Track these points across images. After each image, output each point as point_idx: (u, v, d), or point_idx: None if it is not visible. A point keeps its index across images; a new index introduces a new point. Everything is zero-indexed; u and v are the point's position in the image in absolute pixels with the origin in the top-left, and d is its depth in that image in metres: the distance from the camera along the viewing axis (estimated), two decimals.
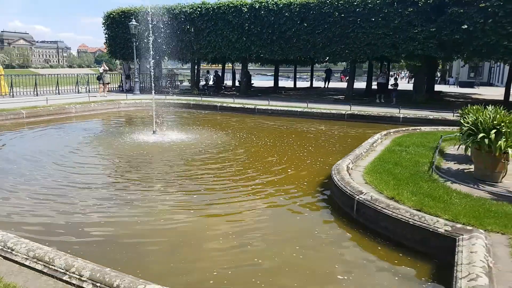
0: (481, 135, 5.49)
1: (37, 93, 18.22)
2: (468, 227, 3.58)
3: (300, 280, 3.36)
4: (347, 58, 18.19)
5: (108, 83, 19.00)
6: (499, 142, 5.30)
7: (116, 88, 23.18)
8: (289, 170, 6.90)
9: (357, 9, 16.18)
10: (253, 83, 30.96)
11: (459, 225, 3.62)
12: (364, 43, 16.62)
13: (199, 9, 19.79)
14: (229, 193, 5.66)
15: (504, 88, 18.36)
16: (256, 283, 3.25)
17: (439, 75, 50.99)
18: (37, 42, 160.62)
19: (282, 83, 33.90)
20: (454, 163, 6.67)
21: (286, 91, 26.35)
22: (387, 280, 3.39)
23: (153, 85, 13.22)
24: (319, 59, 21.14)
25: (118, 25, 21.82)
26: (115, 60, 24.72)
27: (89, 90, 20.84)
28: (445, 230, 3.60)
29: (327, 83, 32.49)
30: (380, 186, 4.93)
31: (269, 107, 14.76)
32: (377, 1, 15.69)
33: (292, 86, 30.88)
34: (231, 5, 19.03)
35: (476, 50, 14.69)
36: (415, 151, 7.13)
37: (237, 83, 30.81)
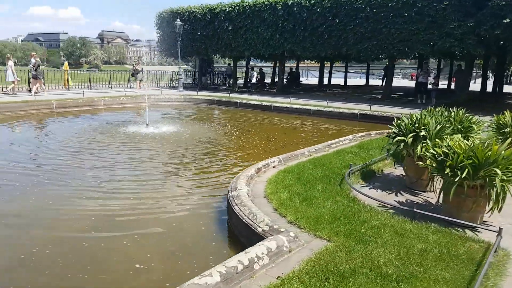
0: (397, 138, 5.09)
1: (90, 87, 20.36)
2: (282, 229, 3.47)
3: (107, 271, 3.59)
4: (380, 55, 17.23)
5: (141, 80, 20.05)
6: (418, 146, 4.88)
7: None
8: (231, 167, 7.00)
9: (390, 4, 15.22)
10: (301, 81, 30.79)
11: (276, 226, 3.52)
12: (397, 39, 15.59)
13: (237, 8, 20.25)
14: (147, 181, 6.01)
15: None
16: (58, 265, 3.55)
17: None
18: (132, 40, 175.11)
19: (338, 80, 32.96)
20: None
21: (330, 89, 25.71)
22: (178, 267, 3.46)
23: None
24: (353, 56, 20.14)
25: (168, 25, 23.20)
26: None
27: (140, 86, 22.64)
28: (262, 230, 3.52)
29: (385, 81, 30.95)
30: (269, 185, 4.87)
31: (285, 105, 14.70)
32: None
33: (343, 83, 29.92)
34: (266, 2, 19.17)
35: None
36: (367, 154, 6.75)
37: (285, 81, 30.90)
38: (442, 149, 4.08)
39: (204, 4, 22.02)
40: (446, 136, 4.83)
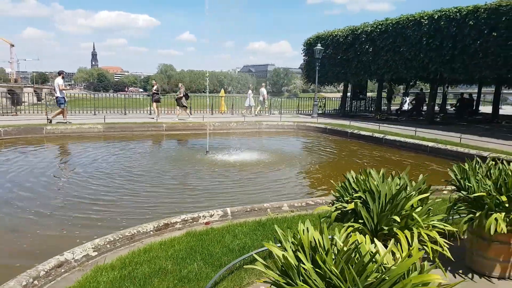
0: (333, 207, 3.10)
1: (232, 113, 21.91)
2: None
3: None
4: None
5: (184, 106, 17.30)
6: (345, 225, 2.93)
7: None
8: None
9: None
10: (480, 110, 24.89)
11: None
12: None
13: (380, 27, 18.13)
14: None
15: None
16: None
17: None
18: None
19: None
20: None
21: (510, 121, 19.71)
22: None
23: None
24: None
25: (312, 51, 22.78)
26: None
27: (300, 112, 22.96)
28: None
29: None
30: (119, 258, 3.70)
31: (398, 139, 11.95)
32: None
33: None
34: (411, 18, 16.48)
35: None
36: None
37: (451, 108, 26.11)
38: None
39: (347, 26, 20.72)
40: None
